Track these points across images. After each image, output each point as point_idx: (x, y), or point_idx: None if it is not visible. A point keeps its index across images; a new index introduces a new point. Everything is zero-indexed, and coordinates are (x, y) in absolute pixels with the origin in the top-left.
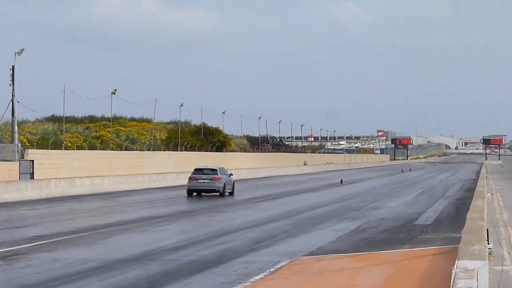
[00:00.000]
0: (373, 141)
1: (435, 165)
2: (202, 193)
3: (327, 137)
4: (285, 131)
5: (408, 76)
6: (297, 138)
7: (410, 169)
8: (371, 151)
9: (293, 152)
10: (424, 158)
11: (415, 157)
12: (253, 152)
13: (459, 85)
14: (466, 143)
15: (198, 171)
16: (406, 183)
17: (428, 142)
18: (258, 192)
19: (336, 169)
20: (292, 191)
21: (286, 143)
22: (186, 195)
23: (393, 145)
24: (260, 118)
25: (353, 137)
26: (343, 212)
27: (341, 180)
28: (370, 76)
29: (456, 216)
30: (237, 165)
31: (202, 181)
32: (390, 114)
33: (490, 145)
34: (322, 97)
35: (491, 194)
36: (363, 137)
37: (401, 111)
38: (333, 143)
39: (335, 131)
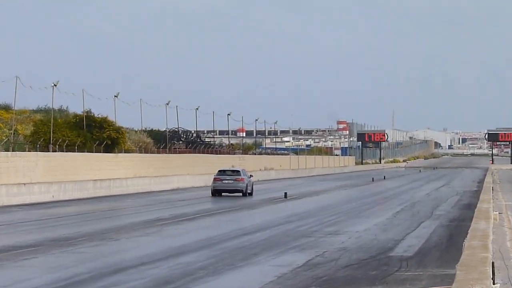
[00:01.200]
0: (332, 137)
1: (420, 171)
2: (223, 193)
3: (265, 131)
4: (204, 123)
5: (381, 45)
6: (221, 132)
7: (384, 177)
8: (328, 151)
9: (216, 153)
10: (404, 161)
11: (391, 159)
12: (159, 153)
13: (453, 58)
14: (464, 140)
15: (222, 172)
16: (378, 197)
17: (410, 138)
18: (165, 210)
19: (279, 177)
20: (214, 209)
21: (206, 139)
22: (211, 195)
23: (360, 142)
24: (168, 104)
25: (302, 132)
26: (288, 240)
27: (286, 194)
28: (326, 45)
29: (449, 244)
30: (134, 171)
31: (226, 181)
32: (356, 99)
33: (498, 143)
34: (257, 75)
35: (499, 213)
36: (317, 131)
37: (371, 95)
38: (275, 140)
39: (276, 122)
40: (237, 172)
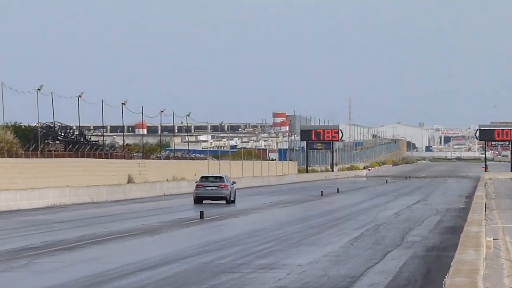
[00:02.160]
0: (266, 136)
1: (386, 181)
2: (204, 201)
3: (173, 127)
4: (90, 115)
5: (334, 18)
6: (114, 129)
7: (337, 191)
8: (261, 154)
9: (107, 157)
10: (365, 168)
11: (347, 166)
12: (27, 157)
13: (432, 34)
14: (447, 139)
15: (204, 178)
16: (329, 218)
17: (374, 137)
18: (36, 236)
19: (193, 190)
20: (103, 234)
21: (93, 138)
22: (193, 202)
23: (305, 142)
24: (40, 89)
25: (226, 128)
26: (204, 276)
27: (202, 213)
28: (259, 17)
29: (425, 282)
30: None
31: (210, 188)
32: (299, 86)
33: (493, 143)
34: (163, 52)
35: (494, 239)
36: (246, 127)
37: (319, 79)
38: (187, 139)
39: (189, 115)
40: (220, 178)
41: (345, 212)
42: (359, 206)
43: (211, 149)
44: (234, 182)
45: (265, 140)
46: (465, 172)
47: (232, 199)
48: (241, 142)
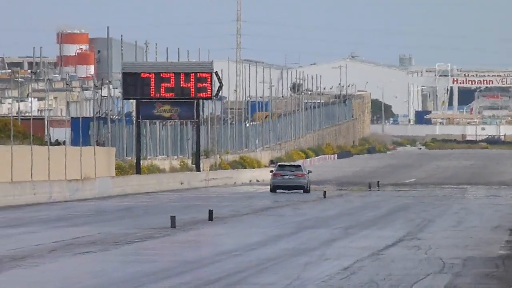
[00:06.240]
0: (43, 86)
1: (325, 194)
2: (277, 190)
3: None
4: None
5: None
6: None
7: (210, 216)
8: (31, 129)
9: None
10: (274, 164)
11: (234, 158)
12: None
13: None
14: (466, 95)
15: (281, 167)
16: (191, 279)
17: (295, 89)
18: None
19: None
20: None
21: None
22: (270, 191)
23: (135, 103)
24: None
25: None
26: None
27: None
28: None
29: None
30: None
31: (287, 177)
32: None
33: None
34: None
35: None
36: None
37: None
38: None
39: None
40: (297, 167)
41: (229, 268)
42: (261, 253)
43: None
44: (309, 171)
45: (39, 99)
46: (509, 172)
47: (308, 188)
48: None
